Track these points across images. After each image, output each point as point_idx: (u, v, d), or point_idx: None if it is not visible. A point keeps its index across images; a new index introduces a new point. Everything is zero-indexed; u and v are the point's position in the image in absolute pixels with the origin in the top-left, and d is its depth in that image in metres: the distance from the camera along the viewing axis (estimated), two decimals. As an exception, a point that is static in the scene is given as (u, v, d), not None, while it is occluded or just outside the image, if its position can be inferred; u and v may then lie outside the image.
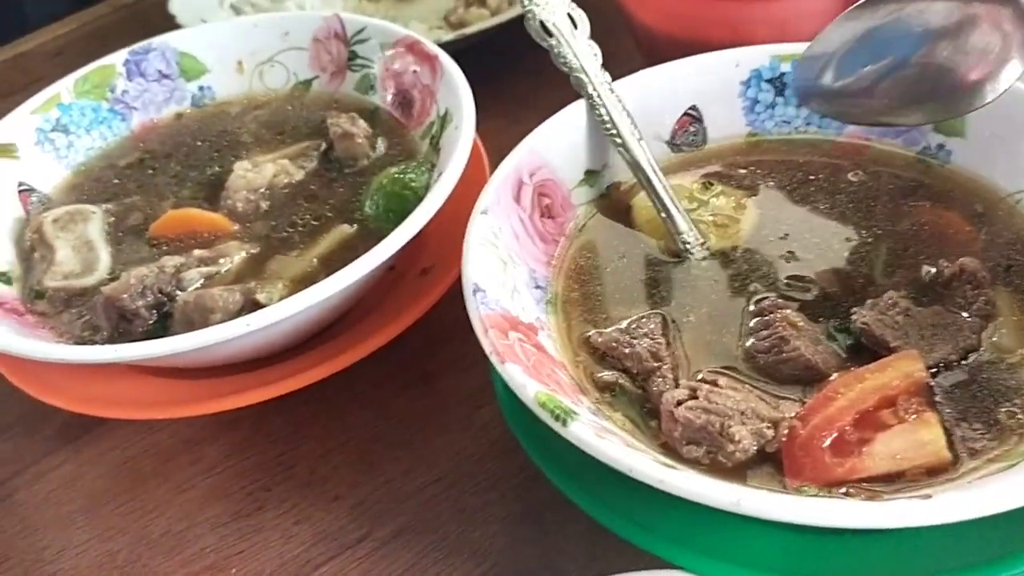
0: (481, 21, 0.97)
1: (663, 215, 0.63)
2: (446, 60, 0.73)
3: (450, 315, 0.71)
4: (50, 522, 0.65)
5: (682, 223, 0.63)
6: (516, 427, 0.57)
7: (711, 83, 0.69)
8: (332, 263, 0.67)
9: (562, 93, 0.96)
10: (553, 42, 0.68)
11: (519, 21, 0.92)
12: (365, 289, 0.66)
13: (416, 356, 0.70)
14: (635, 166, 0.65)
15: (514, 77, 0.97)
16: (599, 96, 0.66)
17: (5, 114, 1.04)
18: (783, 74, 0.69)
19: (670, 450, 0.51)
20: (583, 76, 0.67)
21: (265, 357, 0.66)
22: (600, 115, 0.66)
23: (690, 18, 0.75)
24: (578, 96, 0.67)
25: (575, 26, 0.69)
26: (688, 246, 0.62)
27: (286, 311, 0.57)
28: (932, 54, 0.60)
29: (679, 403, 0.51)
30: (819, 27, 0.74)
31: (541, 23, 0.68)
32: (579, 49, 0.68)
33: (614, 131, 0.65)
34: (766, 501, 0.43)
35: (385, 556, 0.59)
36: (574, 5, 0.69)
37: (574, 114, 0.67)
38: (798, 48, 0.68)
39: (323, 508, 0.62)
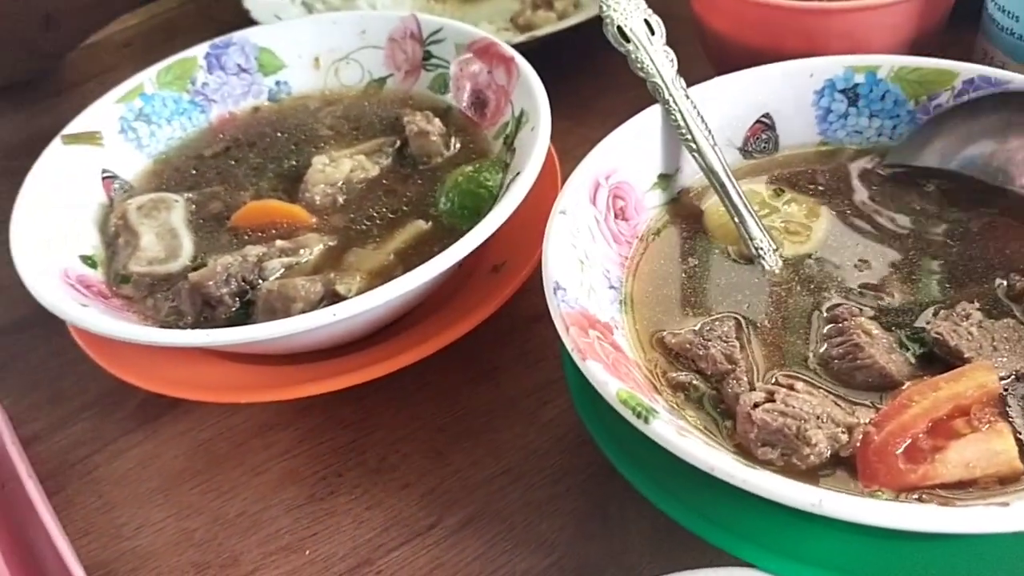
0: (548, 24, 0.98)
1: (736, 220, 0.64)
2: (522, 62, 0.75)
3: (517, 311, 0.73)
4: (128, 499, 0.67)
5: (755, 229, 0.64)
6: (591, 423, 0.58)
7: (785, 91, 0.70)
8: (408, 257, 0.69)
9: (626, 97, 0.97)
10: (630, 47, 0.69)
11: (585, 25, 0.94)
12: (438, 284, 0.67)
13: (483, 350, 0.72)
14: (709, 171, 0.66)
15: (578, 80, 0.99)
16: (675, 102, 0.67)
17: (77, 101, 1.08)
18: (856, 85, 0.69)
19: (743, 451, 0.52)
20: (659, 81, 0.68)
21: (336, 346, 0.68)
22: (675, 120, 0.67)
23: (765, 27, 0.76)
24: (647, 101, 0.68)
25: (651, 32, 0.70)
26: (761, 251, 0.63)
27: (371, 302, 0.58)
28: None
29: (756, 405, 0.52)
30: (893, 40, 0.75)
31: (619, 28, 0.69)
32: (655, 55, 0.69)
33: (689, 136, 0.66)
34: (848, 503, 0.44)
35: (454, 544, 0.61)
36: (651, 11, 0.70)
37: (649, 119, 0.68)
38: (872, 60, 0.69)
39: (393, 495, 0.64)
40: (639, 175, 0.67)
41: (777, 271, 0.62)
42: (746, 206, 0.65)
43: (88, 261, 0.70)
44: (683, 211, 0.68)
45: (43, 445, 0.71)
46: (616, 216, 0.65)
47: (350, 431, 0.68)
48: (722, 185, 0.65)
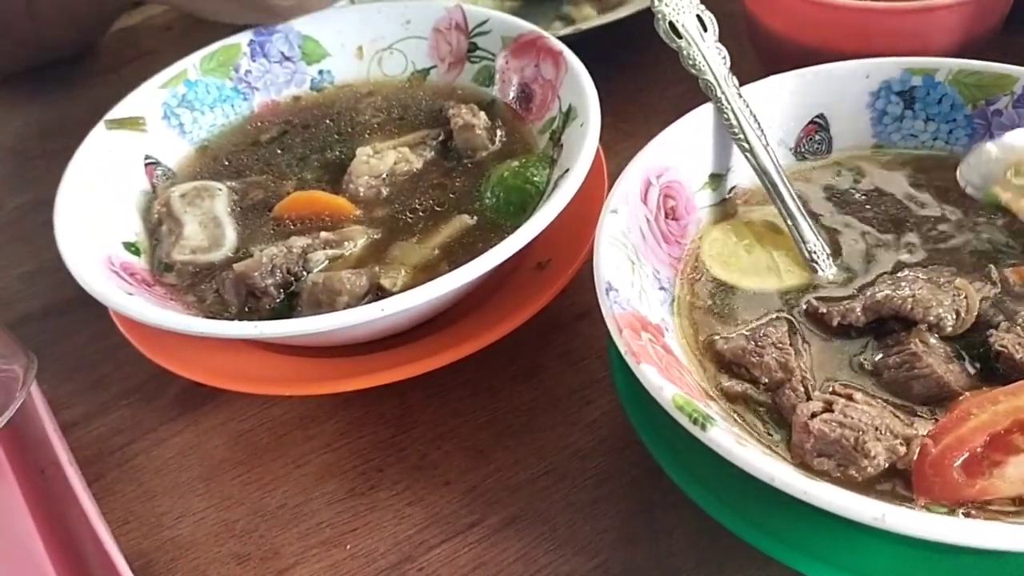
0: (591, 18, 0.97)
1: (789, 223, 0.63)
2: (571, 57, 0.74)
3: (559, 308, 0.72)
4: (169, 488, 0.66)
5: (808, 232, 0.63)
6: (640, 426, 0.57)
7: (840, 92, 0.68)
8: (452, 252, 0.68)
9: (670, 94, 0.97)
10: (682, 43, 0.68)
11: (629, 20, 0.93)
12: (484, 280, 0.66)
13: (525, 347, 0.71)
14: (762, 172, 0.65)
15: (621, 75, 0.98)
16: (727, 100, 0.66)
17: (116, 85, 1.07)
18: (913, 87, 0.68)
19: (797, 459, 0.51)
20: (711, 79, 0.67)
21: (378, 339, 0.67)
22: (727, 119, 0.66)
23: (820, 26, 0.75)
24: (691, 98, 0.67)
25: (704, 28, 0.69)
26: (815, 256, 0.62)
27: (419, 298, 0.57)
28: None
29: (813, 415, 0.51)
30: (951, 41, 0.74)
31: (670, 24, 0.68)
32: (707, 51, 0.68)
33: (741, 136, 0.65)
34: (913, 519, 0.43)
35: (496, 543, 0.60)
36: (703, 7, 0.69)
37: (701, 117, 0.67)
38: (930, 62, 0.67)
39: (435, 492, 0.63)
40: (690, 174, 0.66)
41: (831, 277, 0.61)
42: (799, 208, 0.64)
43: (131, 248, 0.70)
44: (733, 212, 0.67)
45: (82, 431, 0.71)
46: (667, 216, 0.64)
47: (391, 426, 0.68)
48: (774, 186, 0.64)
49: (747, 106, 0.66)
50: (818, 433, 0.50)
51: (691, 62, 0.68)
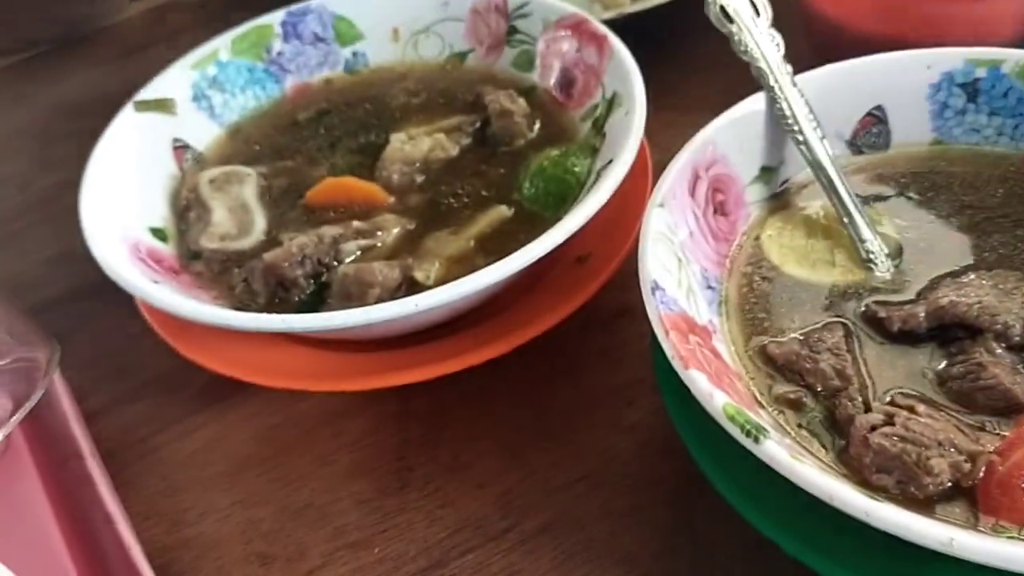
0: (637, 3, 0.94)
1: (845, 220, 0.60)
2: (616, 42, 0.71)
3: (598, 305, 0.69)
4: (192, 483, 0.65)
5: (865, 230, 0.59)
6: (685, 433, 0.54)
7: (899, 83, 0.65)
8: (488, 244, 0.65)
9: (716, 82, 0.92)
10: (734, 28, 0.65)
11: (672, 5, 0.89)
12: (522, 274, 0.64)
13: (562, 345, 0.68)
14: (816, 165, 0.62)
15: (663, 63, 0.94)
16: (780, 88, 0.63)
17: (145, 63, 1.05)
18: (977, 80, 0.64)
19: (853, 472, 0.48)
20: (764, 66, 0.64)
21: (410, 333, 0.65)
22: (780, 109, 0.63)
23: (879, 13, 0.71)
24: (739, 87, 0.64)
25: (757, 13, 0.66)
26: (871, 255, 0.59)
27: (455, 293, 0.55)
28: None
29: (873, 428, 0.48)
30: (1018, 31, 0.70)
31: (722, 8, 0.65)
32: (760, 38, 0.65)
33: (795, 127, 0.62)
34: (985, 545, 0.40)
35: (531, 551, 0.58)
36: None
37: (753, 107, 0.63)
38: (996, 53, 0.64)
39: (468, 494, 0.61)
40: (741, 167, 0.63)
41: (889, 277, 0.58)
42: (856, 204, 0.60)
43: (158, 234, 0.68)
44: (785, 207, 0.64)
45: (104, 421, 0.69)
46: (715, 211, 0.61)
47: (422, 424, 0.65)
48: (829, 181, 0.61)
49: (802, 96, 0.63)
50: (878, 448, 0.47)
51: (743, 48, 0.64)
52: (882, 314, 0.55)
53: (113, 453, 0.66)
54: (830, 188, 0.61)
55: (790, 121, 0.62)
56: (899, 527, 0.41)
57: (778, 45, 0.65)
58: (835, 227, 0.61)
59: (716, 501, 0.57)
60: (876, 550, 0.48)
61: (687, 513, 0.58)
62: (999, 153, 0.65)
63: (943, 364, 0.53)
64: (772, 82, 0.63)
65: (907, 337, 0.54)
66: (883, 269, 0.58)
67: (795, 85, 0.63)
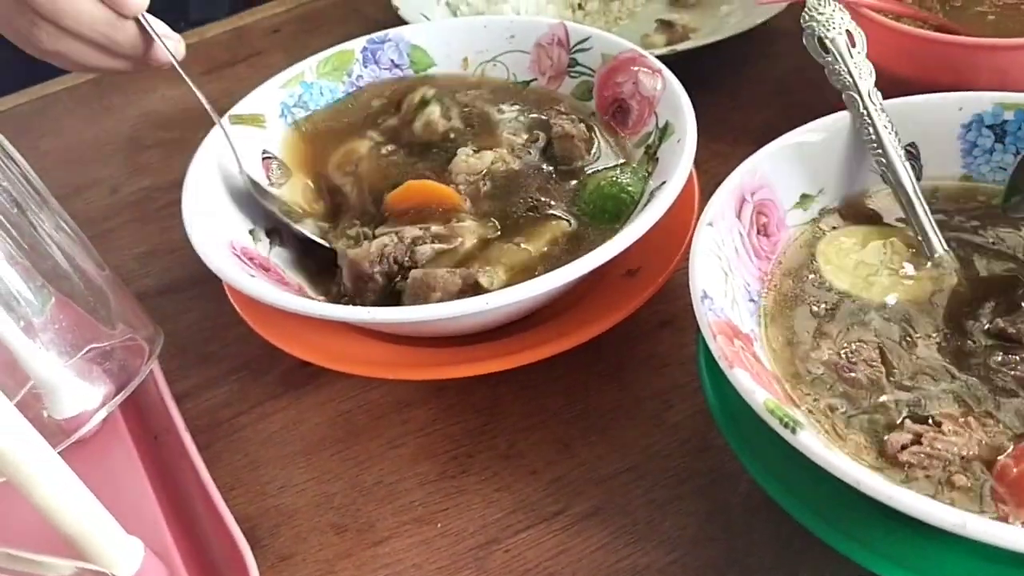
0: (689, 30, 1.00)
1: (919, 238, 0.66)
2: (669, 76, 0.77)
3: (644, 316, 0.75)
4: (273, 459, 0.71)
5: (938, 244, 0.66)
6: (726, 428, 0.60)
7: (933, 122, 0.71)
8: (547, 255, 0.72)
9: (758, 116, 0.99)
10: (829, 59, 0.71)
11: (722, 43, 0.96)
12: (578, 282, 0.70)
13: (610, 350, 0.74)
14: (897, 186, 0.68)
15: (710, 96, 1.00)
16: (869, 115, 0.69)
17: (228, 81, 1.14)
18: (1005, 121, 0.70)
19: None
20: (855, 94, 0.70)
21: (471, 334, 0.71)
22: (868, 134, 0.69)
23: (915, 57, 0.77)
24: (780, 122, 0.70)
25: (853, 44, 0.71)
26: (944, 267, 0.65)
27: (521, 294, 0.61)
28: None
29: (903, 448, 0.53)
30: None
31: (819, 39, 0.71)
32: (853, 67, 0.70)
33: (880, 151, 0.68)
34: (993, 526, 0.45)
35: (580, 532, 0.64)
36: (854, 23, 0.72)
37: (796, 138, 0.69)
38: (1021, 98, 0.69)
39: (522, 480, 0.67)
40: (783, 193, 0.69)
41: (944, 286, 0.63)
42: (931, 222, 0.66)
43: (250, 233, 0.75)
44: (822, 232, 0.70)
45: (193, 402, 0.76)
46: (759, 232, 0.67)
47: (482, 415, 0.72)
48: (908, 200, 0.67)
49: (890, 121, 0.69)
50: (907, 467, 0.53)
51: (836, 76, 0.71)
52: (1011, 330, 0.59)
53: (201, 431, 0.73)
54: (908, 205, 0.67)
55: (874, 145, 0.69)
56: (918, 510, 0.46)
57: (871, 73, 0.71)
58: (879, 247, 0.68)
59: (750, 494, 0.63)
60: (907, 541, 0.54)
61: (723, 504, 0.64)
62: (1024, 190, 0.71)
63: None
64: (862, 109, 0.69)
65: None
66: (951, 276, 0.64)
67: (884, 112, 0.69)
